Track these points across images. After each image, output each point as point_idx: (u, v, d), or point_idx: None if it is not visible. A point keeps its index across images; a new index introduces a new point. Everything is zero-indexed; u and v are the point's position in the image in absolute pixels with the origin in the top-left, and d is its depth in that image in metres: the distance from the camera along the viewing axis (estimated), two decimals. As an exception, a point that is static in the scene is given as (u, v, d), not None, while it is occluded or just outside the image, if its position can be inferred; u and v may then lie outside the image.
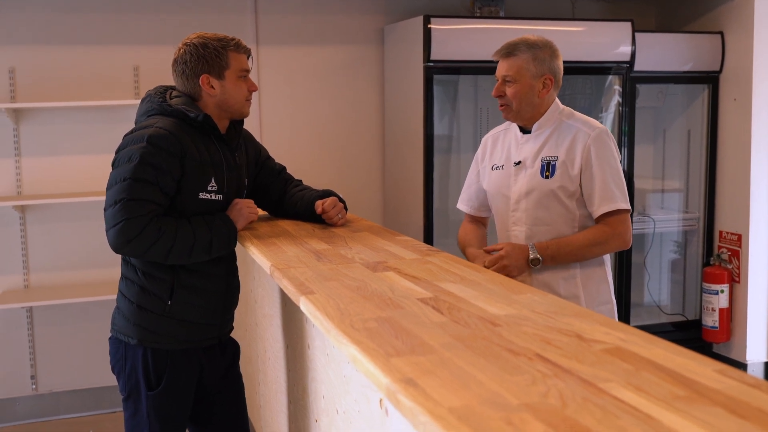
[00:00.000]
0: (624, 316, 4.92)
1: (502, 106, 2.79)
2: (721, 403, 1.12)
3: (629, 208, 2.75)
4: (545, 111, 2.79)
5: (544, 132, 2.80)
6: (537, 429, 1.04)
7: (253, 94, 2.68)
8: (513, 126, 2.92)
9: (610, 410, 1.10)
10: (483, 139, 3.05)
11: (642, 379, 1.22)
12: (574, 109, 2.89)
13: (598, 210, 2.72)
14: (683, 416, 1.07)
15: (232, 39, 2.57)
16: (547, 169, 2.75)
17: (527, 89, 2.74)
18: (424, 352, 1.38)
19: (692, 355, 1.33)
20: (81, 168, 4.52)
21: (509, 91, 2.74)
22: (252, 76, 2.68)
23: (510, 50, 2.72)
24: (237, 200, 2.64)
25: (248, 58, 2.62)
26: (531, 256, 2.69)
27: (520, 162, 2.82)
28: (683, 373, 1.24)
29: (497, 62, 2.79)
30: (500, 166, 2.89)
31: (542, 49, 2.73)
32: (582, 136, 2.73)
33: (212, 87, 2.55)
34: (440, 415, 1.10)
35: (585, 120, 2.81)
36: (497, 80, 2.77)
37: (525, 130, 2.84)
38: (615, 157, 2.77)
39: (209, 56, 2.53)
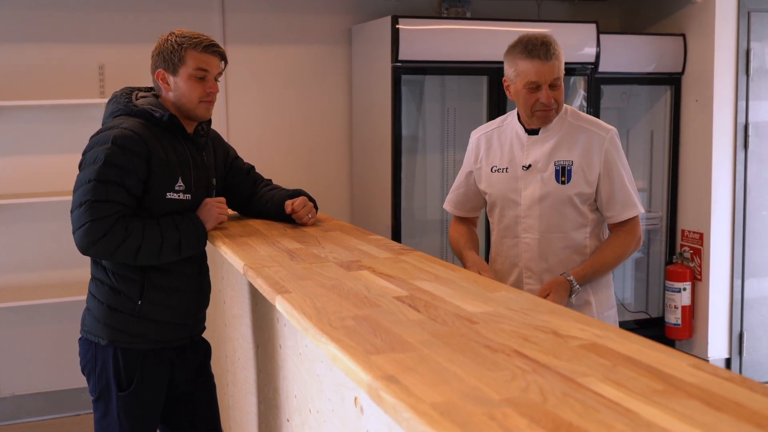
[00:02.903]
0: (589, 314, 4.98)
1: (547, 111, 2.63)
2: (697, 396, 1.14)
3: (643, 210, 2.73)
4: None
5: (553, 134, 2.69)
6: (520, 423, 1.06)
7: (221, 92, 2.65)
8: (508, 124, 2.80)
9: (590, 404, 1.12)
10: (474, 138, 2.89)
11: (619, 373, 1.24)
12: None
13: (620, 216, 2.67)
14: (661, 409, 1.09)
15: (197, 37, 2.53)
16: (563, 174, 2.64)
17: (563, 88, 2.66)
18: (404, 350, 1.39)
19: (666, 350, 1.35)
20: (46, 167, 4.46)
21: (556, 94, 2.61)
22: (219, 75, 2.65)
23: (551, 51, 2.55)
24: (207, 200, 2.63)
25: (221, 61, 2.57)
26: (573, 292, 2.61)
27: (530, 166, 2.69)
28: (659, 367, 1.27)
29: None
30: (503, 169, 2.75)
31: (559, 46, 2.62)
32: (597, 139, 2.65)
33: (167, 83, 2.54)
34: (423, 411, 1.11)
35: (593, 121, 2.72)
36: (536, 86, 2.59)
37: (530, 131, 2.71)
38: (625, 158, 2.72)
39: (166, 51, 2.52)
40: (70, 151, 4.31)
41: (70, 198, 2.46)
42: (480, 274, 2.61)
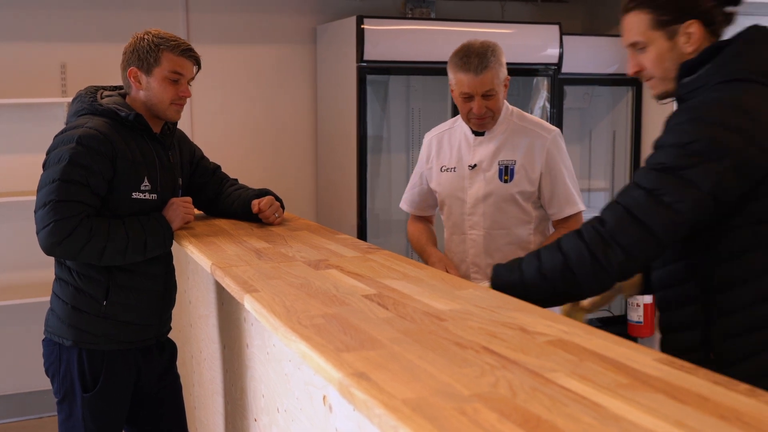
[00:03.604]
0: (553, 312, 5.03)
1: (482, 119, 2.74)
2: (662, 389, 1.17)
3: (585, 208, 2.83)
4: (501, 115, 2.80)
5: (497, 134, 2.79)
6: (490, 418, 1.07)
7: None
8: (458, 125, 2.90)
9: (559, 399, 1.14)
10: (426, 140, 3.01)
11: (586, 368, 1.26)
12: None
13: (561, 214, 2.78)
14: (628, 403, 1.12)
15: (174, 40, 2.52)
16: (506, 173, 2.75)
17: (502, 97, 2.74)
18: (374, 347, 1.40)
19: (631, 345, 1.38)
20: (7, 167, 4.40)
21: (490, 103, 2.71)
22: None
23: (484, 63, 2.65)
24: (173, 199, 2.61)
25: (195, 65, 2.57)
26: None
27: (475, 165, 2.80)
28: (624, 362, 1.29)
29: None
30: (451, 168, 2.86)
31: (500, 53, 2.71)
32: (539, 139, 2.76)
33: (138, 82, 2.52)
34: (395, 407, 1.12)
35: (537, 122, 2.83)
36: (469, 96, 2.70)
37: (477, 132, 2.82)
38: (569, 158, 2.82)
39: (142, 50, 2.50)
40: (31, 150, 4.26)
41: (32, 198, 2.44)
42: (447, 271, 2.72)
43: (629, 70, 1.98)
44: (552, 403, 1.12)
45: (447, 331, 1.48)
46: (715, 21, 1.90)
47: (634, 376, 1.22)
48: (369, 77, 4.53)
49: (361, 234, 4.56)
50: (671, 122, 1.84)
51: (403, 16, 4.97)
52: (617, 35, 5.18)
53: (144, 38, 2.51)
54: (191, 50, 2.55)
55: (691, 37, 1.87)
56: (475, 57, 2.65)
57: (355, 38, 4.41)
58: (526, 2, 5.46)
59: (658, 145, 1.83)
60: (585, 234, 1.84)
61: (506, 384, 1.20)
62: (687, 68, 1.88)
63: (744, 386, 1.16)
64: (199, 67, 2.60)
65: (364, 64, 4.44)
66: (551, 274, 1.86)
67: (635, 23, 1.92)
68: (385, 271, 2.03)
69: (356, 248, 2.37)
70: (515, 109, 2.86)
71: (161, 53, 2.50)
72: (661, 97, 1.99)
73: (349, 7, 4.98)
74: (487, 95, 2.69)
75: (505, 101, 2.82)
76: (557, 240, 1.90)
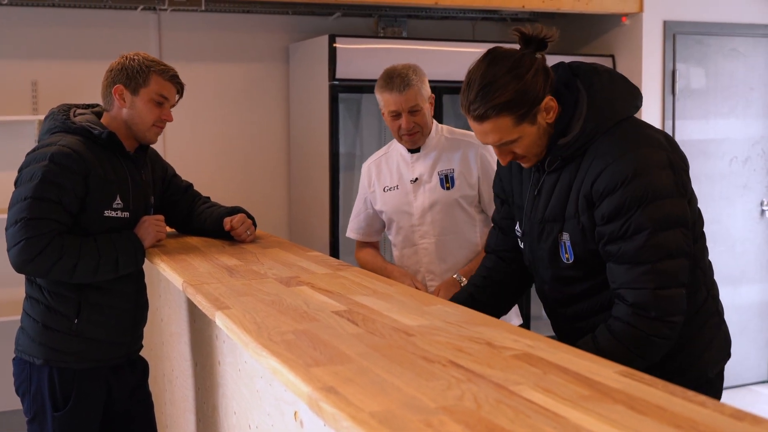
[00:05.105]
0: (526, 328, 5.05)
1: (413, 134, 2.87)
2: (622, 401, 1.20)
3: None
4: (430, 130, 2.95)
5: (432, 150, 2.95)
6: (455, 429, 1.10)
7: None
8: (393, 149, 3.06)
9: (522, 410, 1.17)
10: (365, 168, 3.14)
11: (549, 381, 1.30)
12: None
13: None
14: (588, 414, 1.15)
15: (164, 65, 2.59)
16: (447, 181, 2.91)
17: (427, 112, 2.90)
18: (343, 362, 1.42)
19: (594, 359, 1.41)
20: (-24, 185, 4.37)
21: (417, 119, 2.85)
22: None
23: (405, 82, 2.81)
24: (145, 217, 2.63)
25: (177, 92, 2.62)
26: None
27: (416, 179, 2.94)
28: (587, 374, 1.32)
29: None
30: (394, 187, 3.00)
31: (421, 73, 2.89)
32: (471, 147, 2.94)
33: (123, 99, 2.55)
34: (362, 420, 1.14)
35: (465, 132, 3.00)
36: (396, 114, 2.84)
37: (412, 150, 2.97)
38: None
39: (131, 69, 2.54)
40: (1, 168, 4.22)
41: (3, 216, 2.44)
42: (414, 283, 2.85)
43: (503, 161, 2.06)
44: (515, 414, 1.15)
45: (415, 346, 1.51)
46: (553, 82, 2.01)
47: (595, 388, 1.26)
48: (341, 95, 4.56)
49: (334, 251, 4.58)
50: (569, 173, 1.99)
51: (375, 35, 5.01)
52: (586, 54, 5.28)
53: (134, 59, 2.56)
54: (178, 77, 2.62)
55: (550, 110, 1.98)
56: (398, 77, 2.83)
57: (328, 57, 4.44)
58: (497, 22, 5.53)
59: (613, 187, 1.89)
60: (655, 332, 1.88)
61: (471, 396, 1.23)
62: (563, 130, 1.99)
63: (700, 397, 1.20)
64: (181, 96, 2.64)
65: (337, 82, 4.48)
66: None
67: (500, 127, 1.95)
68: (356, 288, 2.05)
69: (327, 265, 2.39)
70: (444, 126, 3.04)
71: (151, 75, 2.54)
72: (534, 164, 2.09)
73: (321, 26, 5.02)
74: (413, 111, 2.84)
75: (434, 120, 2.98)
76: (634, 347, 1.89)
